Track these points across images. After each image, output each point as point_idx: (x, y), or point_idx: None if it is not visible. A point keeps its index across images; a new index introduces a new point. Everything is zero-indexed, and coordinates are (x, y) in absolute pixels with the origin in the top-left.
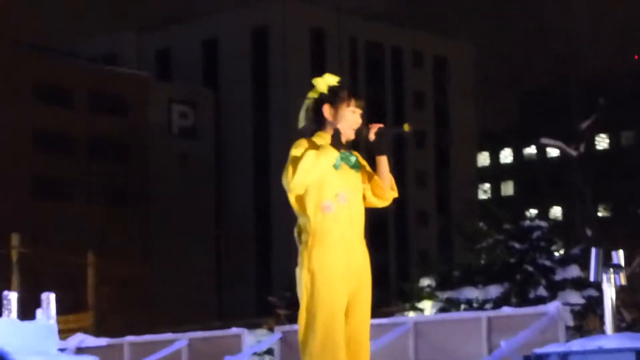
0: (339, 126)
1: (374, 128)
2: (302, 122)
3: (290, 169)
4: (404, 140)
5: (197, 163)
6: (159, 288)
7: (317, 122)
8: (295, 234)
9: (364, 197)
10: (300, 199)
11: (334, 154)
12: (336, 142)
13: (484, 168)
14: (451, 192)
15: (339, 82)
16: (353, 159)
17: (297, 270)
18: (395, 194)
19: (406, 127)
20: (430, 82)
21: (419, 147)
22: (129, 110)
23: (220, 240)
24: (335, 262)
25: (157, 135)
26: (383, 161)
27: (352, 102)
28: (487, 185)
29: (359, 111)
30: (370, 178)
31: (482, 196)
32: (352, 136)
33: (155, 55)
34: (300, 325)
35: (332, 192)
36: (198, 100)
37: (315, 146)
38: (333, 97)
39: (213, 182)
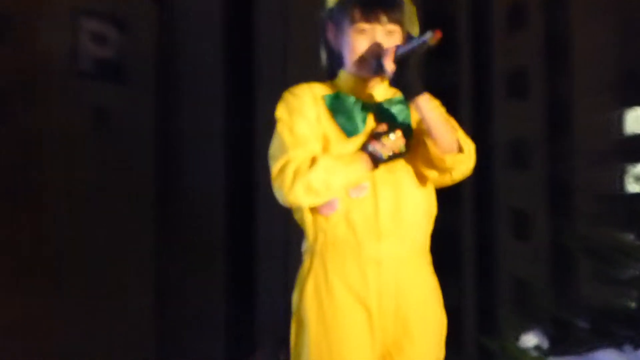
0: (345, 57)
1: (389, 54)
2: (322, 56)
3: (284, 172)
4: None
5: (125, 122)
6: (63, 335)
7: (329, 54)
8: (303, 252)
9: (423, 176)
10: None
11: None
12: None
13: (635, 137)
14: (573, 179)
15: None
16: (399, 109)
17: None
18: (465, 158)
19: (431, 40)
20: None
21: (514, 99)
22: (7, 31)
23: (163, 253)
24: (343, 298)
25: (55, 74)
26: (423, 104)
27: (358, 16)
28: None
29: (378, 28)
30: (418, 140)
31: (631, 188)
32: (364, 72)
33: None
34: None
35: None
36: (127, 13)
37: (315, 105)
38: (337, 9)
39: (152, 156)
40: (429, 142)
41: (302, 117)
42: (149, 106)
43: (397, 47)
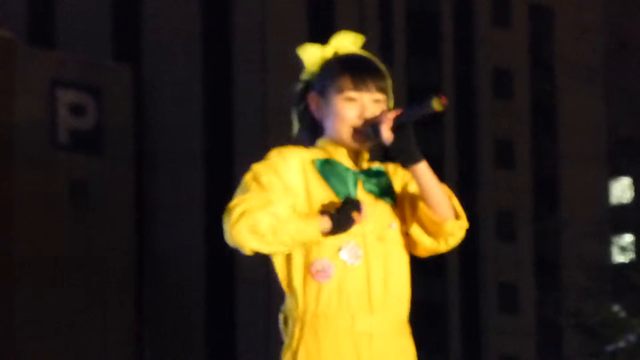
0: (329, 126)
1: (388, 120)
2: (295, 125)
3: (236, 208)
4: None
5: (103, 196)
6: None
7: (308, 123)
8: (281, 322)
9: (414, 243)
10: (283, 257)
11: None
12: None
13: (621, 207)
14: (560, 250)
15: (341, 52)
16: (383, 181)
17: None
18: (462, 224)
19: (436, 105)
20: (522, 53)
21: (502, 168)
22: None
23: (143, 326)
24: None
25: (31, 146)
26: (421, 172)
27: (347, 83)
28: (627, 238)
29: (365, 97)
30: (414, 207)
31: (617, 257)
32: (352, 143)
33: (28, 5)
34: None
35: (330, 242)
36: (104, 82)
37: (297, 163)
38: (321, 78)
39: (132, 227)
40: (426, 210)
41: (277, 176)
42: (128, 177)
43: (398, 114)
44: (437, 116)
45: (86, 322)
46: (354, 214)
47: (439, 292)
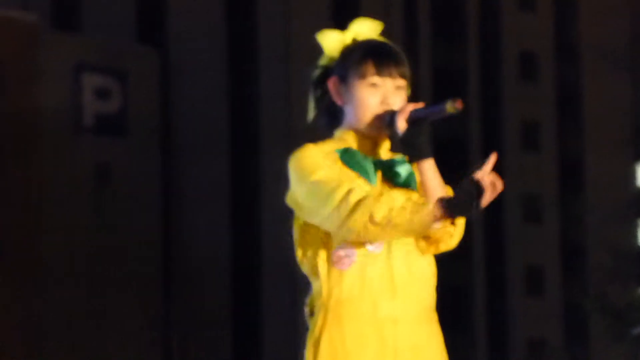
0: (349, 112)
1: (404, 112)
2: (311, 110)
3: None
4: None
5: (128, 179)
6: None
7: (326, 110)
8: (306, 311)
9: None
10: (307, 244)
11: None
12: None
13: None
14: (586, 233)
15: (361, 38)
16: (404, 169)
17: None
18: (459, 230)
19: (450, 108)
20: (547, 38)
21: (528, 151)
22: (5, 84)
23: (170, 313)
24: (360, 357)
25: (56, 130)
26: (426, 169)
27: (371, 69)
28: None
29: (388, 83)
30: None
31: None
32: (372, 130)
33: None
34: None
35: None
36: (130, 66)
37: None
38: (342, 63)
39: (158, 212)
40: None
41: (326, 165)
42: (154, 160)
43: (414, 109)
44: (457, 116)
45: (110, 310)
46: (479, 194)
47: (465, 275)
